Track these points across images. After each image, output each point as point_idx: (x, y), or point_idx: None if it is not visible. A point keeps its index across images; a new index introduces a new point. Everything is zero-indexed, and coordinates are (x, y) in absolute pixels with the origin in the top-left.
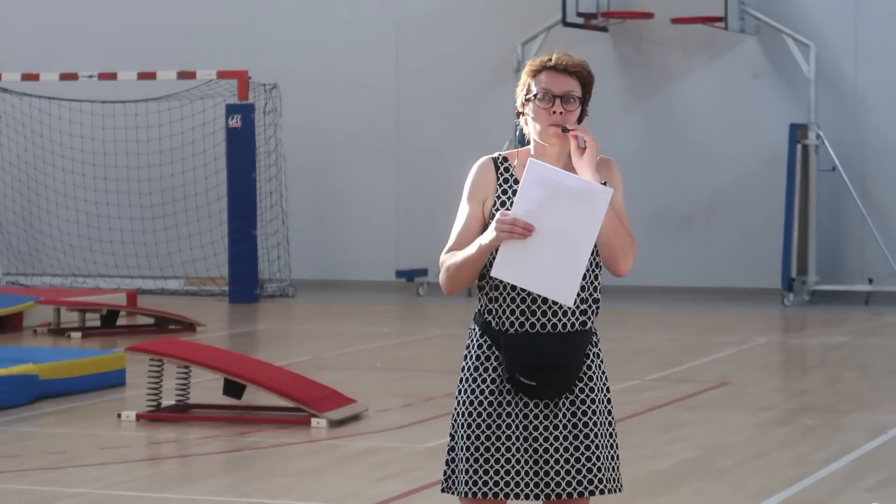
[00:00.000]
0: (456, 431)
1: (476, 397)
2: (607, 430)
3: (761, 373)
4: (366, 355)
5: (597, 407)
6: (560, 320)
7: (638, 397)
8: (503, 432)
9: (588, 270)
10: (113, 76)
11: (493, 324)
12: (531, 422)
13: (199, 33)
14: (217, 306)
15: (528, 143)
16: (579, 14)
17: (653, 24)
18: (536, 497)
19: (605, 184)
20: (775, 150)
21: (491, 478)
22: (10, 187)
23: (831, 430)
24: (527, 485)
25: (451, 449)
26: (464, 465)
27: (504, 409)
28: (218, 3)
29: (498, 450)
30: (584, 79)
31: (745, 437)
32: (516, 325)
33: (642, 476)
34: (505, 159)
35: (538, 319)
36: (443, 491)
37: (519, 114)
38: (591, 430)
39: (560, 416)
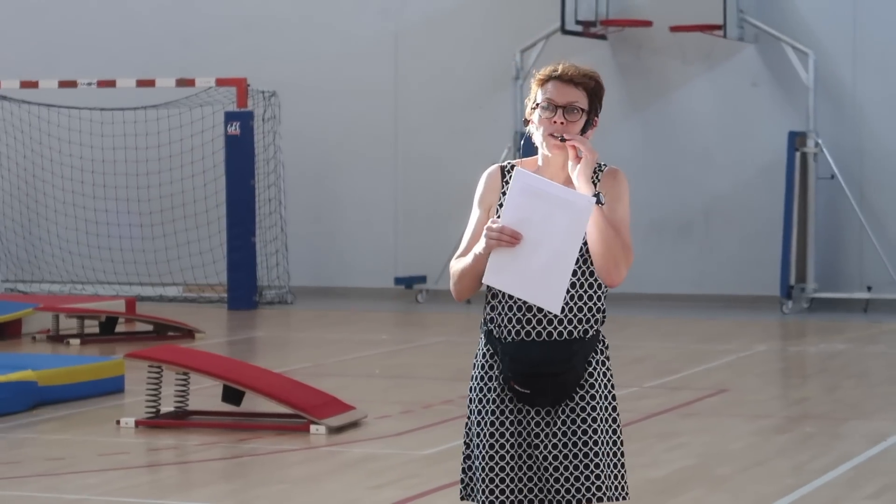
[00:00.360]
0: (471, 440)
1: (485, 406)
2: (610, 437)
3: (760, 380)
4: (364, 362)
5: (597, 414)
6: (555, 328)
7: (636, 405)
8: (506, 440)
9: (583, 279)
10: (112, 84)
11: (494, 332)
12: (532, 429)
13: (198, 41)
14: (216, 313)
15: (535, 150)
16: (578, 22)
17: (651, 33)
18: None
19: (598, 194)
20: (774, 158)
21: (496, 486)
22: (9, 194)
23: (830, 438)
24: (530, 490)
25: (467, 457)
26: (480, 474)
27: (508, 417)
28: (217, 10)
29: (504, 458)
30: (591, 89)
31: (744, 445)
32: (513, 333)
33: (641, 484)
34: (513, 167)
35: (533, 328)
36: (462, 499)
37: (526, 121)
38: (591, 437)
39: (558, 423)
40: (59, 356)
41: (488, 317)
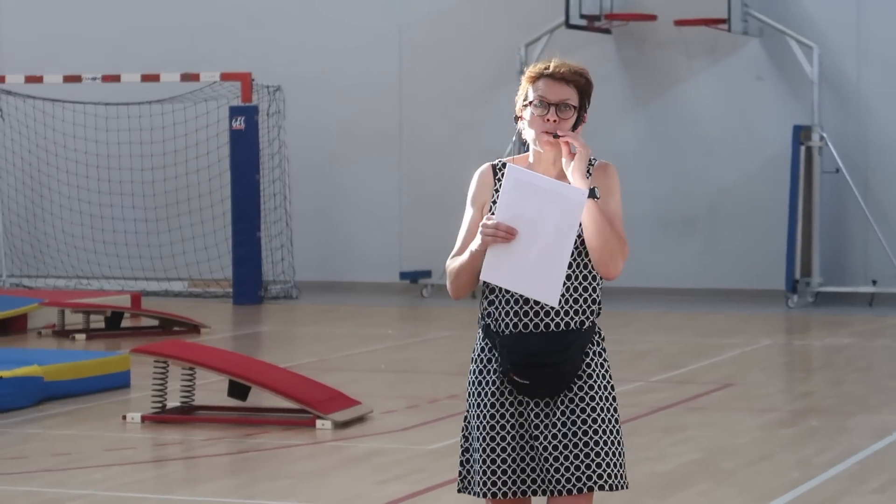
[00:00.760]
0: (469, 433)
1: (483, 399)
2: (610, 427)
3: (765, 374)
4: (370, 357)
5: (596, 404)
6: (553, 320)
7: (642, 399)
8: (507, 432)
9: (578, 270)
10: (116, 78)
11: (492, 326)
12: (532, 420)
13: (203, 35)
14: (221, 308)
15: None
16: (582, 16)
17: (656, 27)
18: (545, 493)
19: (594, 189)
20: (778, 152)
21: (499, 477)
22: (14, 189)
23: (836, 432)
24: (533, 481)
25: (466, 450)
26: (479, 466)
27: (507, 409)
28: (221, 5)
29: (504, 450)
30: (582, 87)
31: (750, 439)
32: (510, 326)
33: (647, 478)
34: (504, 165)
35: (531, 320)
36: (459, 491)
37: (517, 118)
38: (591, 426)
39: (558, 413)
40: (64, 351)
41: (485, 311)
